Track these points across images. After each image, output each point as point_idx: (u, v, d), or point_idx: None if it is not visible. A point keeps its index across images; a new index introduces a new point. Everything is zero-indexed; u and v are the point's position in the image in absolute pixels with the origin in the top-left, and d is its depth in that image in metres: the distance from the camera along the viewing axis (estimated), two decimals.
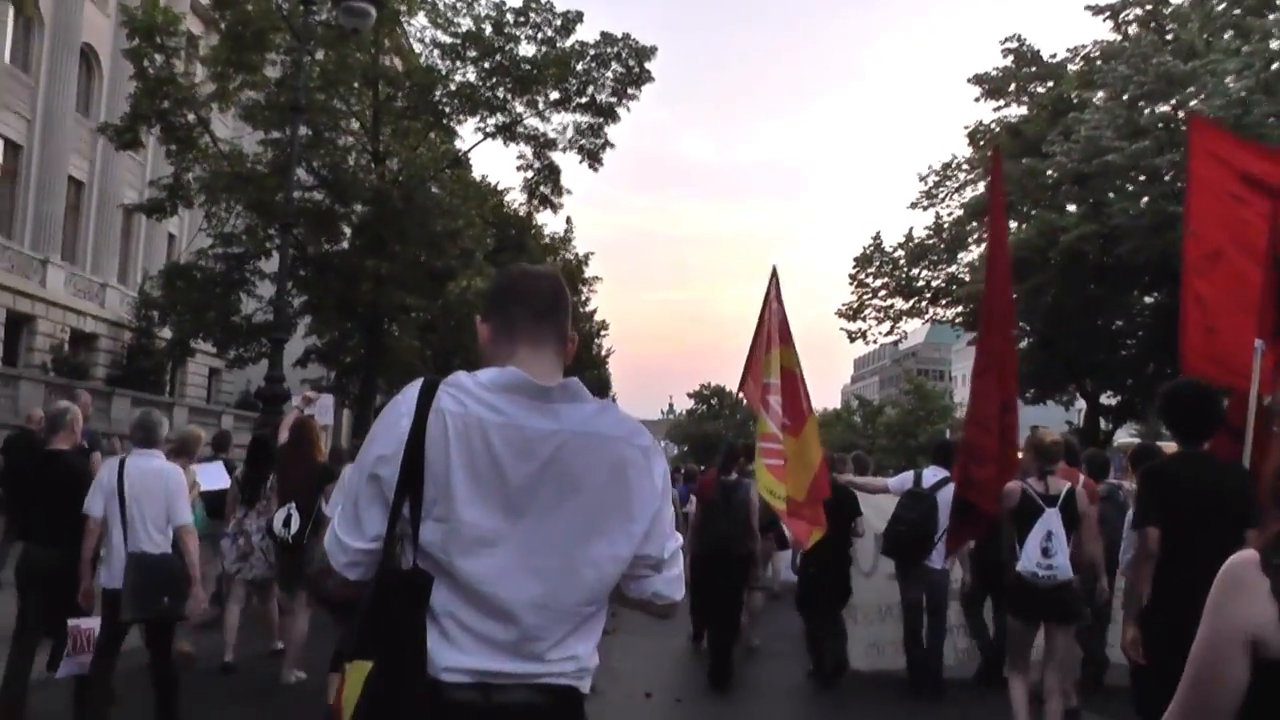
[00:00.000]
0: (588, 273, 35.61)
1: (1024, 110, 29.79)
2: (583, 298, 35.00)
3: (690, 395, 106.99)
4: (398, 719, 1.97)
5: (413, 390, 2.11)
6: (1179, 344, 5.35)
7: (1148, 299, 26.50)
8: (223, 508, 8.67)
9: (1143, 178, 22.55)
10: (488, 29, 21.56)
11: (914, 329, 36.76)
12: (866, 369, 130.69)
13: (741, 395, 9.28)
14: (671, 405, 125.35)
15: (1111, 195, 22.64)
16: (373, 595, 2.07)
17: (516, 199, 26.62)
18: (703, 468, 18.90)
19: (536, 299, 2.25)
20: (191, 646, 7.78)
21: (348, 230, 22.21)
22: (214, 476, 9.22)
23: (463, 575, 2.03)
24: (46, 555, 5.86)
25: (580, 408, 2.15)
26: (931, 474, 8.43)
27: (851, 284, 33.48)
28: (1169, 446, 5.73)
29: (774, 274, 9.00)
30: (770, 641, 10.26)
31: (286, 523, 7.00)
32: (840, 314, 33.63)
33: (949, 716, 7.70)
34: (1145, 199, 22.17)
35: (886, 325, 33.83)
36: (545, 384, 2.13)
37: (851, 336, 34.07)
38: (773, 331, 8.56)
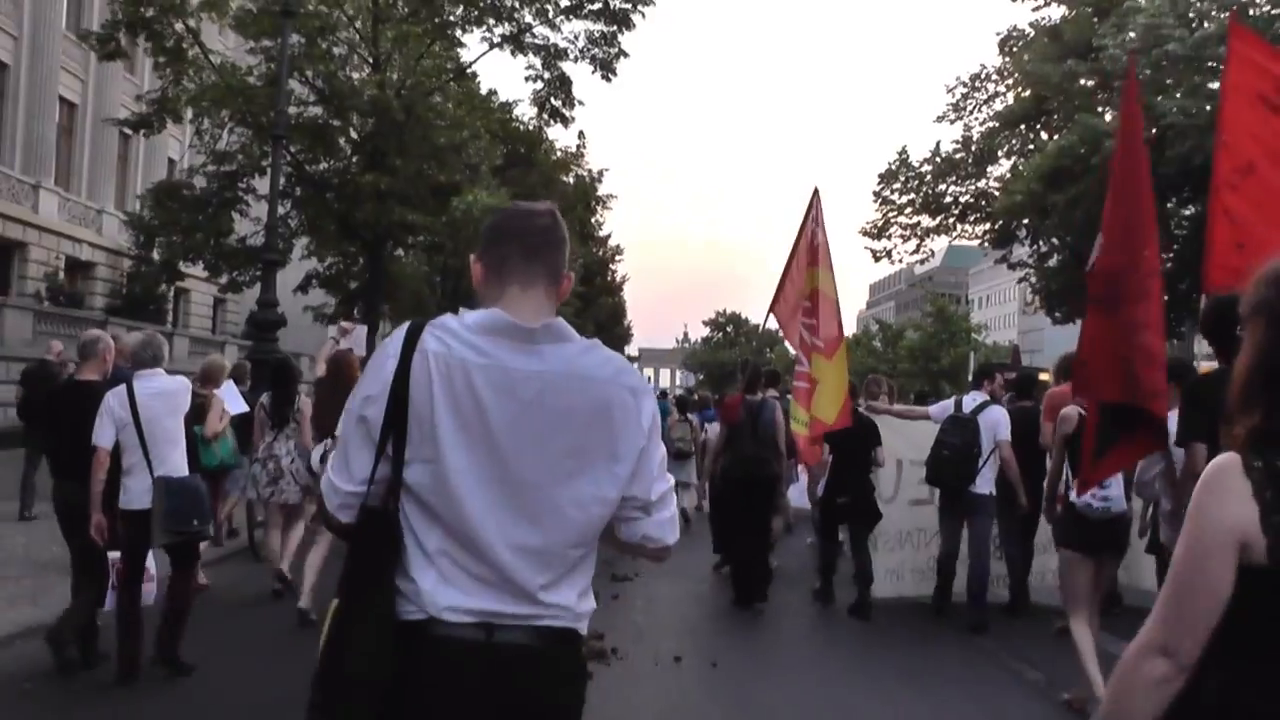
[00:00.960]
0: (601, 190, 34.19)
1: (1063, 11, 28.13)
2: (596, 217, 33.67)
3: (706, 323, 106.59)
4: (352, 648, 1.99)
5: (400, 332, 2.13)
6: (1204, 259, 5.17)
7: (1185, 211, 25.09)
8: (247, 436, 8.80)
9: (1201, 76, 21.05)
10: None
11: (938, 248, 35.43)
12: (882, 294, 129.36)
13: (772, 316, 9.32)
14: (686, 334, 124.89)
15: (1159, 98, 21.15)
16: (355, 535, 2.13)
17: (526, 113, 25.29)
18: (717, 395, 17.85)
19: (528, 236, 2.23)
20: (207, 580, 7.79)
21: (347, 146, 20.98)
22: (232, 400, 9.10)
23: (451, 517, 2.06)
24: (82, 491, 5.70)
25: (564, 348, 2.14)
26: (972, 399, 8.34)
27: (876, 201, 32.32)
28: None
29: (815, 195, 8.99)
30: (787, 564, 10.27)
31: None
32: (865, 233, 32.50)
33: (982, 645, 7.49)
34: (1205, 96, 20.71)
35: (913, 244, 32.72)
36: (529, 325, 2.12)
37: (876, 256, 32.99)
38: (813, 252, 8.66)
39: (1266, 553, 1.72)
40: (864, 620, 8.08)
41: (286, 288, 25.99)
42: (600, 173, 33.98)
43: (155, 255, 20.97)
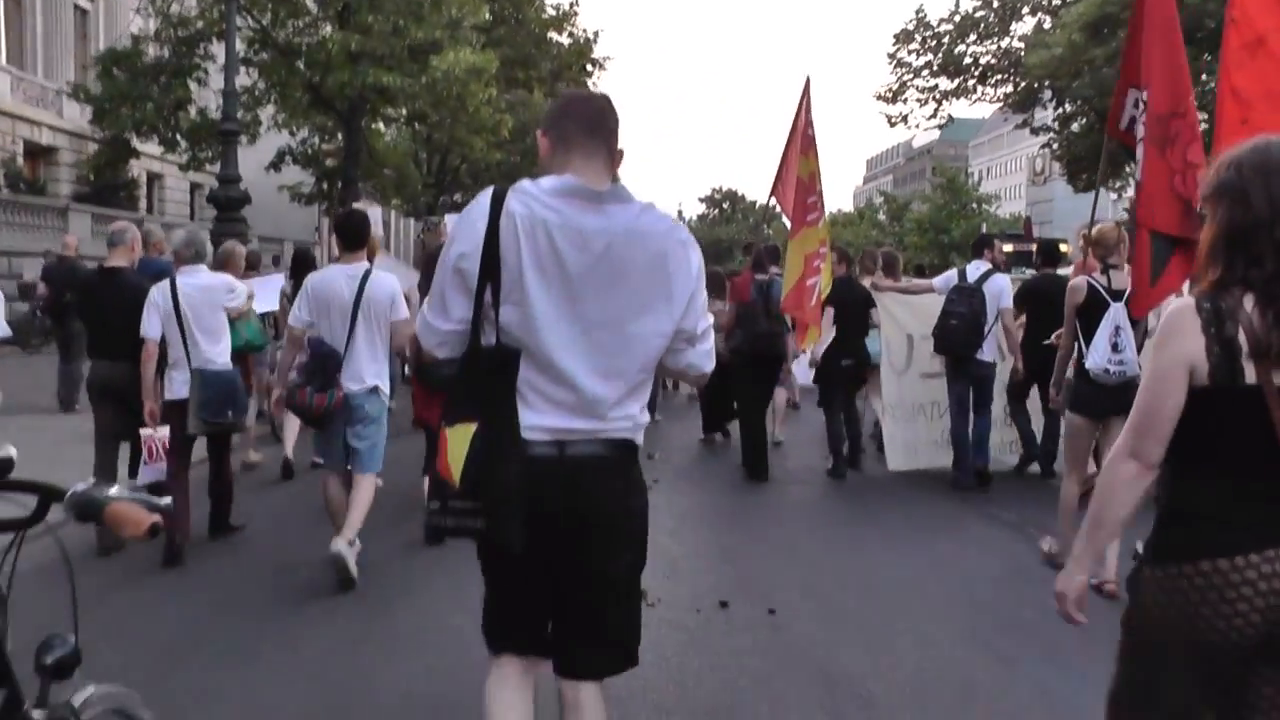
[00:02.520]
0: (597, 53, 31.72)
1: None
2: (592, 79, 31.33)
3: (702, 200, 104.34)
4: (502, 465, 2.41)
5: (485, 197, 2.50)
6: (1214, 137, 5.31)
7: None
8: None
9: None
10: None
11: (956, 113, 33.35)
12: (879, 168, 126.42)
13: (773, 200, 9.65)
14: (680, 212, 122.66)
15: None
16: (464, 369, 2.54)
17: None
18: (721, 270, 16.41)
19: (587, 116, 2.62)
20: (260, 455, 8.83)
21: (314, 4, 18.86)
22: (269, 293, 9.19)
23: (536, 350, 2.47)
24: (114, 370, 6.22)
25: (627, 208, 2.54)
26: (975, 268, 8.46)
27: (891, 64, 30.31)
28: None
29: (806, 85, 9.27)
30: (791, 437, 10.48)
31: None
32: (879, 97, 30.53)
33: (993, 509, 7.78)
34: None
35: (930, 108, 30.77)
36: (597, 188, 2.51)
37: (891, 121, 31.18)
38: (806, 140, 8.92)
39: (1207, 375, 2.16)
40: (840, 479, 8.78)
41: (258, 166, 24.27)
42: (596, 34, 31.51)
43: (105, 130, 19.07)
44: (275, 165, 21.61)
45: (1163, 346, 2.23)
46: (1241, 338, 2.12)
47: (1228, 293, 2.17)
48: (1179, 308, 2.23)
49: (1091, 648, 3.25)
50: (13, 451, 2.14)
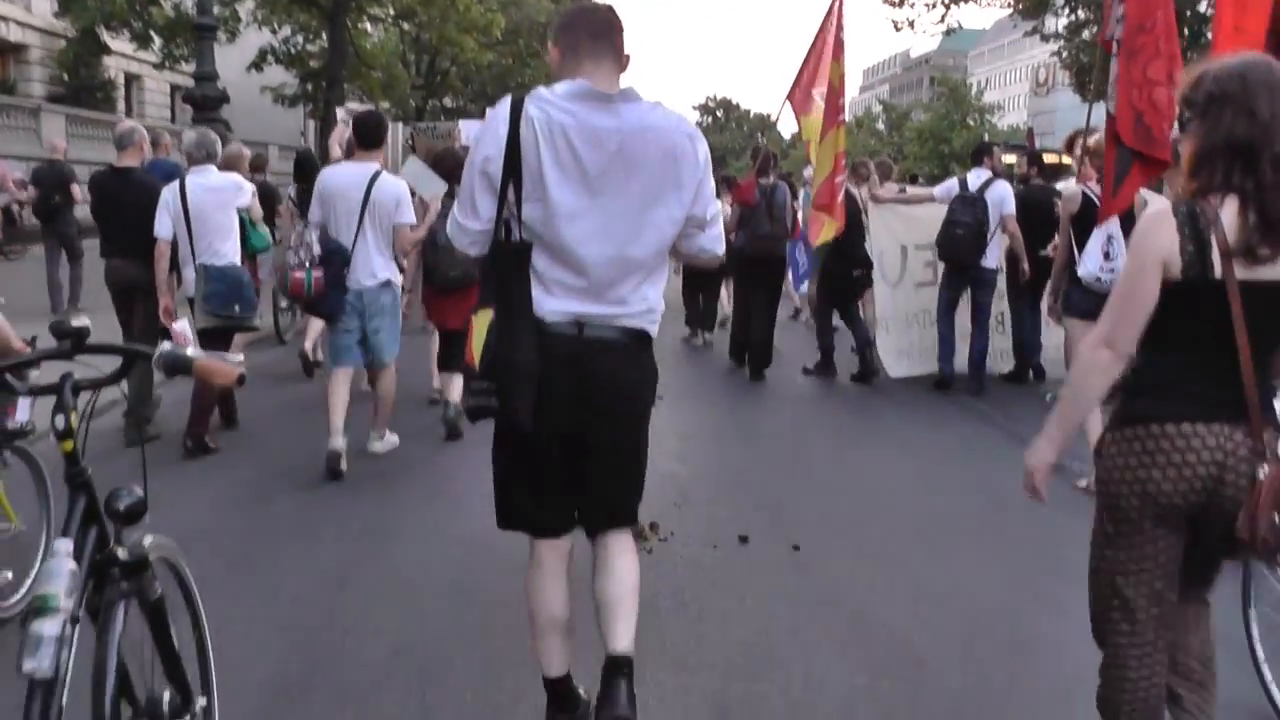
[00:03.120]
0: None
1: None
2: None
3: (696, 108, 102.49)
4: (517, 343, 2.65)
5: (504, 105, 2.69)
6: (1212, 42, 5.48)
7: None
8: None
9: None
10: None
11: (964, 19, 32.16)
12: (876, 78, 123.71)
13: (787, 104, 9.49)
14: None
15: None
16: (488, 264, 2.79)
17: None
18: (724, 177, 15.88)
19: (593, 25, 2.77)
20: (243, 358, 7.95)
21: None
22: None
23: (557, 242, 2.67)
24: (129, 267, 6.42)
25: (637, 107, 2.71)
26: (976, 177, 8.60)
27: None
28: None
29: None
30: (786, 346, 10.49)
31: None
32: (886, 1, 29.26)
33: (988, 412, 8.00)
34: None
35: (938, 12, 29.54)
36: (608, 91, 2.70)
37: (897, 26, 29.83)
38: (838, 46, 8.92)
39: (1180, 271, 2.33)
40: (873, 378, 9.00)
41: (239, 66, 23.26)
42: None
43: (73, 24, 18.10)
44: (257, 65, 20.68)
45: (1140, 245, 2.42)
46: (1214, 239, 2.30)
47: (1205, 199, 2.34)
48: (1157, 210, 2.44)
49: None
50: (87, 321, 2.34)
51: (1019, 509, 5.58)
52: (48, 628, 1.94)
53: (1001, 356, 9.19)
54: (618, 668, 2.82)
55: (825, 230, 8.75)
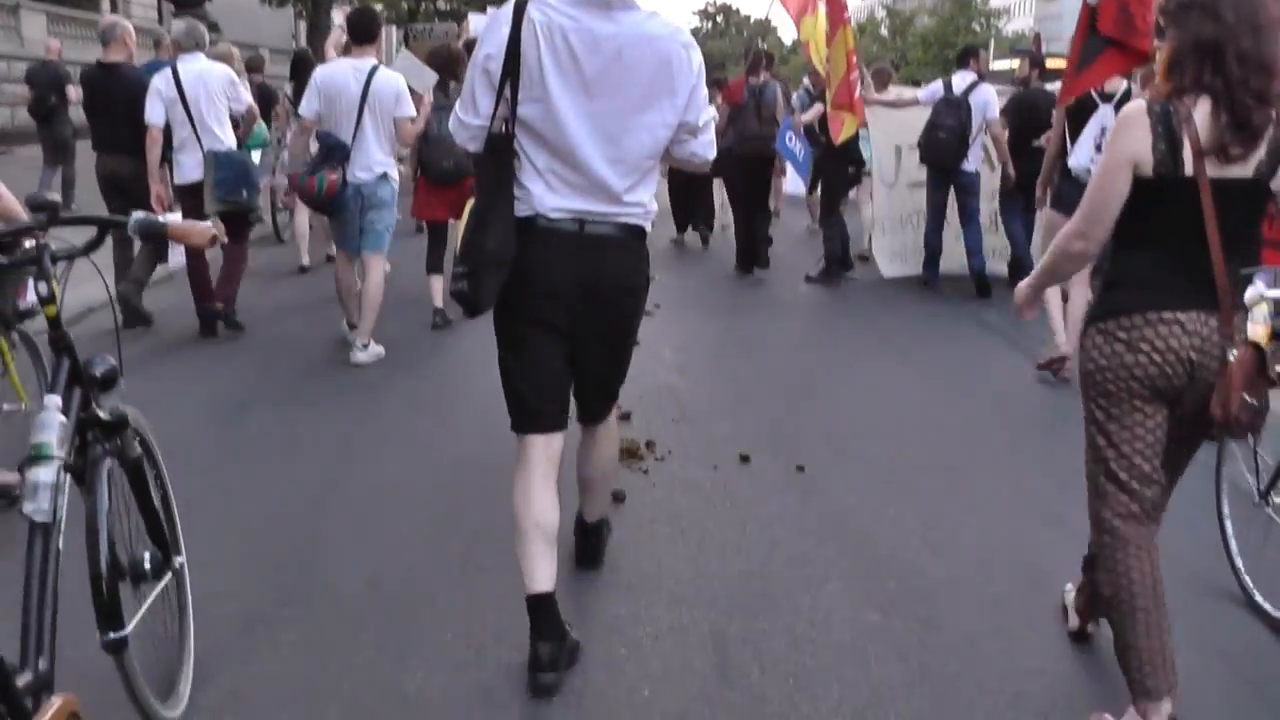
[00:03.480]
0: None
1: None
2: None
3: (695, 13, 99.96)
4: (491, 231, 2.76)
5: (508, 5, 2.75)
6: None
7: None
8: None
9: None
10: None
11: None
12: None
13: (777, 1, 9.76)
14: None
15: None
16: (480, 156, 2.85)
17: None
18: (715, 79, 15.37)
19: None
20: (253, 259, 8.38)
21: None
22: None
23: (556, 141, 2.76)
24: (120, 162, 6.52)
25: (633, 14, 2.77)
26: (961, 80, 8.54)
27: None
28: None
29: None
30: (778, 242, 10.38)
31: None
32: None
33: (990, 320, 7.93)
34: None
35: None
36: None
37: None
38: None
39: (1152, 168, 2.49)
40: (835, 285, 9.00)
41: None
42: None
43: None
44: None
45: (1114, 143, 2.56)
46: (1186, 137, 2.44)
47: (1179, 100, 2.47)
48: (1131, 110, 2.55)
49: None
50: (58, 198, 2.44)
51: (1023, 422, 5.43)
52: (44, 474, 2.08)
53: (994, 254, 9.07)
54: (585, 532, 3.45)
55: (846, 127, 8.61)
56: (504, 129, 2.75)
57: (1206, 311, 2.53)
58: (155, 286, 7.13)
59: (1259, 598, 3.34)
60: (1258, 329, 2.81)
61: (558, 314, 2.84)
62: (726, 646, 3.05)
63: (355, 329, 6.27)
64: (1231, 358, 2.50)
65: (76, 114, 10.72)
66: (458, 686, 2.82)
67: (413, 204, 7.31)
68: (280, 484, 4.23)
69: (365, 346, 6.14)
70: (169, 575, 2.60)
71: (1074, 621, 3.15)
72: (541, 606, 2.83)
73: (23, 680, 1.88)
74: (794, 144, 9.70)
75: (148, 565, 2.45)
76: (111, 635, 2.24)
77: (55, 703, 1.88)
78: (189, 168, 6.41)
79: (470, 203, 2.93)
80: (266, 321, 7.08)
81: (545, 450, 2.94)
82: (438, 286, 6.90)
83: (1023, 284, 2.97)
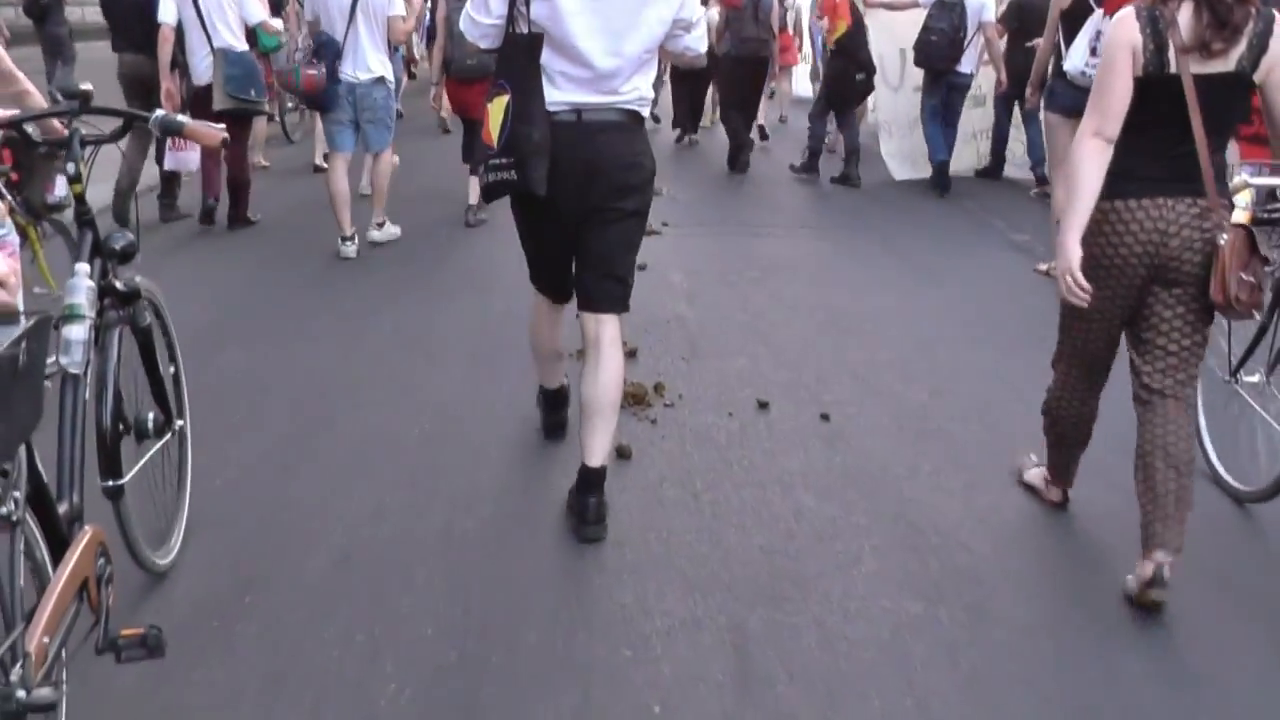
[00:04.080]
0: None
1: None
2: None
3: None
4: (533, 121, 2.96)
5: None
6: None
7: None
8: None
9: None
10: None
11: None
12: None
13: None
14: None
15: None
16: (501, 55, 3.08)
17: None
18: None
19: None
20: (267, 161, 9.35)
21: None
22: None
23: (561, 37, 2.97)
24: (139, 63, 6.78)
25: None
26: None
27: None
28: None
29: None
30: (778, 149, 11.03)
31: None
32: None
33: (969, 208, 8.33)
34: None
35: None
36: None
37: None
38: None
39: (1142, 68, 2.68)
40: (855, 187, 9.05)
41: None
42: None
43: None
44: None
45: (1111, 43, 2.76)
46: (1171, 38, 2.65)
47: (1164, 4, 2.68)
48: (1123, 13, 2.75)
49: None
50: (89, 87, 2.70)
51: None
52: (76, 332, 2.32)
53: (980, 158, 9.65)
54: (589, 483, 3.16)
55: (837, 29, 9.00)
56: (528, 29, 2.96)
57: (1189, 198, 2.75)
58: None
59: (1221, 470, 3.56)
60: (1241, 214, 2.91)
61: (565, 198, 3.05)
62: (748, 646, 2.64)
63: (347, 239, 6.40)
64: (1222, 242, 2.71)
65: (74, 14, 11.25)
66: (437, 700, 2.42)
67: (447, 101, 7.73)
68: (250, 435, 3.81)
69: (381, 225, 6.61)
70: (169, 435, 2.84)
71: (1054, 494, 3.39)
72: (554, 396, 3.80)
73: (61, 509, 2.10)
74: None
75: (150, 424, 2.69)
76: (110, 483, 2.53)
77: (88, 532, 2.08)
78: (200, 70, 6.62)
79: (497, 101, 3.02)
80: (280, 219, 7.46)
81: (554, 306, 3.48)
82: (475, 183, 6.85)
83: (1062, 251, 2.80)
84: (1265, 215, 3.11)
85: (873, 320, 5.40)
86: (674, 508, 3.33)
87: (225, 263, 6.41)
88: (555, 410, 3.81)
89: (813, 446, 3.84)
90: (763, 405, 4.17)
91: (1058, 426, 3.24)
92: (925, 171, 9.03)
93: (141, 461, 2.66)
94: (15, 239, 2.84)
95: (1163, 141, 2.75)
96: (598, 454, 3.13)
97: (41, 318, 1.95)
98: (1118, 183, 2.76)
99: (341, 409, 4.07)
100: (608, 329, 3.17)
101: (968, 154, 9.47)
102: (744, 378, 4.48)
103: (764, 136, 11.39)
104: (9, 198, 4.06)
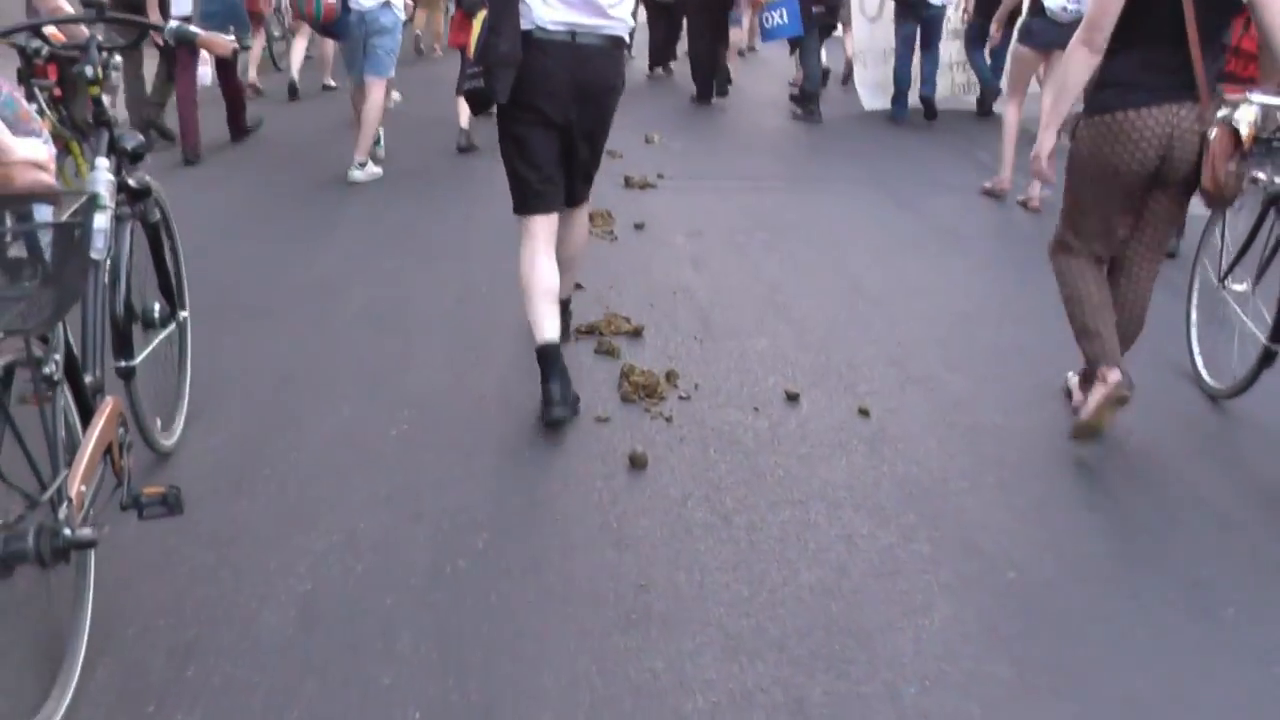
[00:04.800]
0: None
1: None
2: None
3: None
4: (504, 36, 3.13)
5: None
6: None
7: None
8: None
9: None
10: None
11: None
12: None
13: None
14: None
15: None
16: None
17: None
18: None
19: None
20: (261, 82, 9.64)
21: None
22: None
23: None
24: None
25: None
26: None
27: None
28: None
29: None
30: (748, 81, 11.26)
31: None
32: None
33: (948, 140, 8.54)
34: None
35: None
36: None
37: None
38: None
39: None
40: (814, 120, 9.22)
41: None
42: None
43: None
44: None
45: None
46: None
47: None
48: None
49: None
50: None
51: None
52: (100, 221, 2.50)
53: (965, 89, 9.70)
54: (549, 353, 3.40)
55: None
56: None
57: (1178, 103, 3.05)
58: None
59: (1203, 371, 3.86)
60: (1245, 128, 3.06)
61: (556, 111, 3.31)
62: None
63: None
64: (1212, 135, 3.03)
65: None
66: None
67: (449, 34, 8.33)
68: (198, 431, 3.24)
69: (362, 165, 6.52)
70: (173, 326, 3.08)
71: (1077, 398, 3.57)
72: (548, 354, 3.38)
73: (87, 380, 2.33)
74: None
75: (157, 314, 2.92)
76: (124, 363, 2.74)
77: (110, 402, 2.31)
78: (180, 4, 6.57)
79: (480, 17, 3.18)
80: (259, 146, 7.62)
81: (546, 228, 3.48)
82: (465, 109, 7.01)
83: (1041, 139, 3.28)
84: (1266, 137, 3.50)
85: (899, 291, 4.86)
86: (704, 535, 2.81)
87: (201, 204, 5.58)
88: (553, 379, 3.33)
89: (855, 451, 3.32)
90: (791, 397, 3.65)
91: (1079, 319, 3.37)
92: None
93: (150, 346, 2.89)
94: (52, 149, 2.81)
95: (1162, 54, 3.03)
96: (564, 289, 3.74)
97: (91, 194, 2.45)
98: (1127, 94, 3.06)
99: (307, 405, 3.51)
100: (580, 209, 3.71)
101: (944, 84, 9.50)
102: (766, 362, 3.95)
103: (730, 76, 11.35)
104: (50, 114, 4.40)
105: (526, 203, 3.43)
